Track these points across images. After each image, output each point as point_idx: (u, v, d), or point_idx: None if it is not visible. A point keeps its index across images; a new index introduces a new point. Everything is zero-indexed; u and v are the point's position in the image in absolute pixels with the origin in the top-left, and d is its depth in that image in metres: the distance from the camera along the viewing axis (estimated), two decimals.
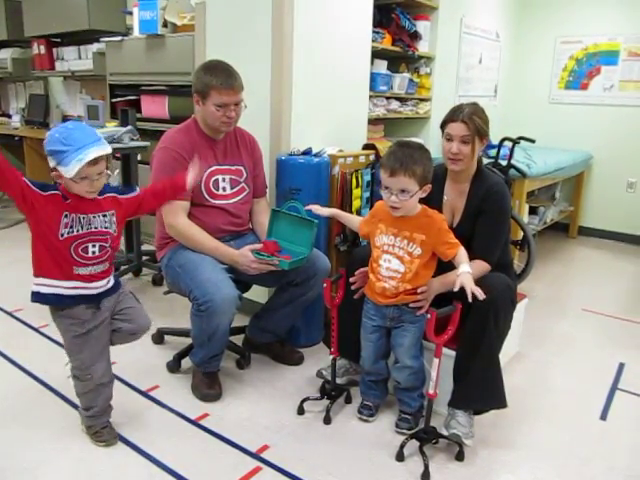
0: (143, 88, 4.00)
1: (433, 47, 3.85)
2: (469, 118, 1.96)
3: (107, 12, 4.38)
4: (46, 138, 1.60)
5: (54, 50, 4.97)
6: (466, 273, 1.76)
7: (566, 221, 5.02)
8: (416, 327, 1.94)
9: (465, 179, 2.08)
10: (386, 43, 3.41)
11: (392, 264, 1.90)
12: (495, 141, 3.36)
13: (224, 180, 2.28)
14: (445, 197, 2.14)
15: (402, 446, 1.88)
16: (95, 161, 1.58)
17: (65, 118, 5.27)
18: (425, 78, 3.87)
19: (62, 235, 1.63)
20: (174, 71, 3.68)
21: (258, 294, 2.67)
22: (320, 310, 2.62)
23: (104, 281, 1.77)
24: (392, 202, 1.82)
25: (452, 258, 1.85)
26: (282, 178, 2.54)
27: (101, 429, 1.88)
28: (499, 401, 1.97)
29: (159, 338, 2.64)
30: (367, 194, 2.79)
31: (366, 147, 2.99)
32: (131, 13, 4.02)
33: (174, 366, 2.39)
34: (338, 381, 2.21)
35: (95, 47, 4.51)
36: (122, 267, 3.42)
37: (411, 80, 3.72)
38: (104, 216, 1.71)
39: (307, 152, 2.55)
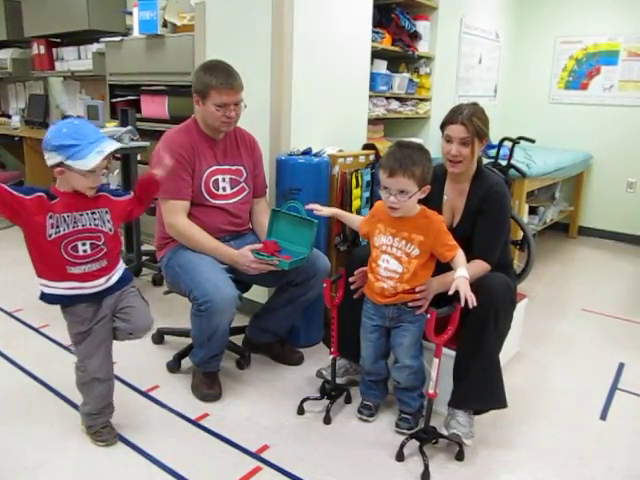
0: (143, 88, 4.00)
1: (433, 47, 3.84)
2: (468, 120, 1.96)
3: (107, 12, 4.38)
4: (48, 134, 1.59)
5: (54, 50, 4.97)
6: (462, 277, 1.76)
7: (566, 221, 5.02)
8: (415, 327, 1.94)
9: (465, 179, 2.08)
10: (386, 43, 3.41)
11: (390, 264, 1.90)
12: (495, 141, 3.36)
13: (224, 180, 2.28)
14: (445, 197, 2.14)
15: (402, 446, 1.88)
16: (106, 156, 1.61)
17: (65, 118, 5.26)
18: (425, 78, 3.87)
19: (50, 236, 1.63)
20: (174, 71, 3.67)
21: (258, 294, 2.67)
22: (320, 310, 2.62)
23: (102, 279, 1.76)
24: (391, 202, 1.82)
25: (450, 260, 1.85)
26: (282, 178, 2.54)
27: (101, 429, 1.88)
28: (499, 401, 1.97)
29: (159, 338, 2.64)
30: (367, 194, 2.79)
31: (366, 147, 2.99)
32: (131, 13, 4.02)
33: (174, 366, 2.39)
34: (338, 381, 2.21)
35: (95, 47, 4.51)
36: None
37: (411, 80, 3.72)
38: (93, 213, 1.70)
39: (307, 152, 2.55)
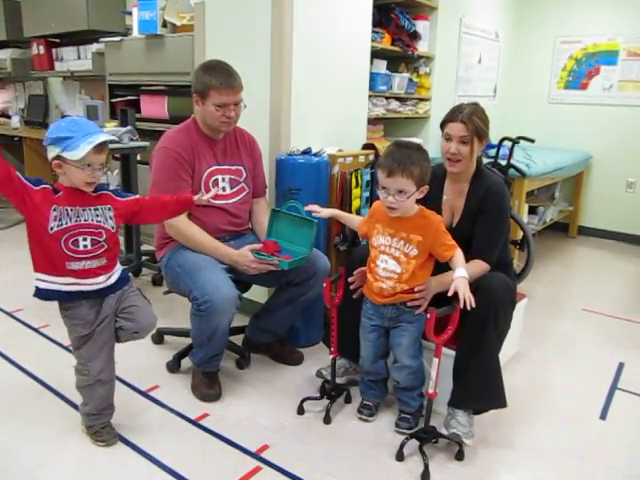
0: (142, 88, 4.00)
1: (432, 47, 3.85)
2: (468, 118, 1.97)
3: (106, 12, 4.38)
4: (49, 129, 1.63)
5: (53, 50, 4.97)
6: (461, 278, 1.76)
7: (566, 221, 5.02)
8: (414, 327, 1.94)
9: (464, 179, 2.08)
10: (385, 43, 3.41)
11: (389, 264, 1.90)
12: (495, 141, 3.36)
13: (224, 180, 2.28)
14: (444, 197, 2.14)
15: (402, 446, 1.88)
16: (101, 149, 1.63)
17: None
18: (424, 78, 3.87)
19: (52, 229, 1.64)
20: (173, 71, 3.68)
21: (258, 294, 2.66)
22: (320, 310, 2.62)
23: (102, 277, 1.75)
24: (389, 202, 1.82)
25: (449, 260, 1.85)
26: (282, 178, 2.54)
27: (101, 429, 1.87)
28: (499, 401, 1.97)
29: (159, 338, 2.64)
30: (367, 194, 2.79)
31: (366, 147, 2.99)
32: (130, 13, 4.02)
33: (174, 366, 2.39)
34: (338, 381, 2.21)
35: (94, 47, 4.51)
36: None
37: (410, 80, 3.73)
38: (95, 209, 1.71)
39: (307, 152, 2.55)
